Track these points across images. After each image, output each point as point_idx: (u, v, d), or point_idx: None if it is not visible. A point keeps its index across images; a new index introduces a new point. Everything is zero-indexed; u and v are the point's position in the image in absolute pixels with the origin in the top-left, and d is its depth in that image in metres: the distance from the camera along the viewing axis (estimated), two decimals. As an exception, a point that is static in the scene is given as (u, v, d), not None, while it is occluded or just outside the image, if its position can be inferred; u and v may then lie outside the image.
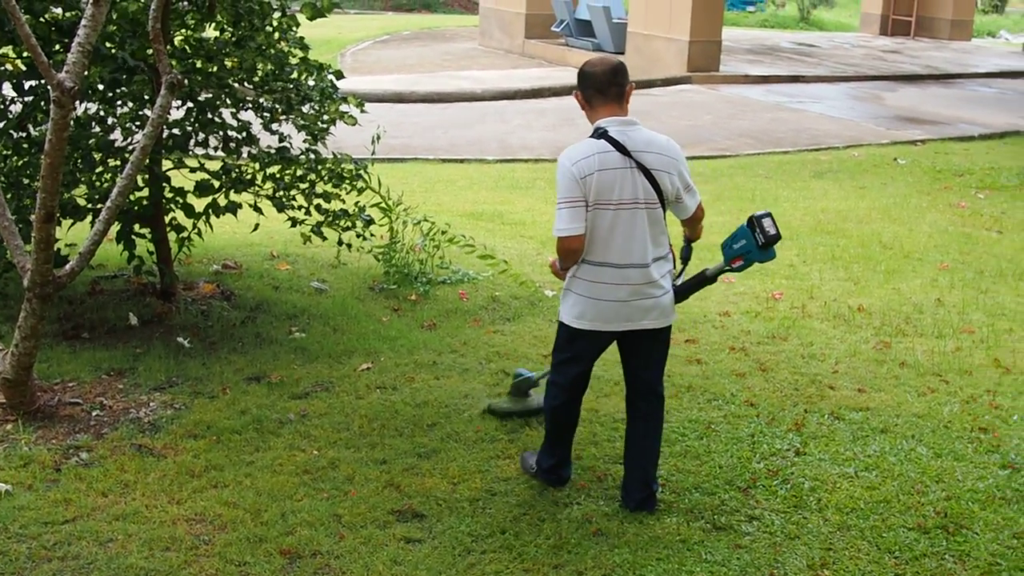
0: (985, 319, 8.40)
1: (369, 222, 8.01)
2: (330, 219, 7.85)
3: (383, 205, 8.55)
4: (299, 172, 7.77)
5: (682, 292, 5.60)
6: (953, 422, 6.49)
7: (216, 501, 5.34)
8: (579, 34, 24.30)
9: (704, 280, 5.64)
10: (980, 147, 16.43)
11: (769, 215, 5.38)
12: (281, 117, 7.70)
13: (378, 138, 8.54)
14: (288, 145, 7.72)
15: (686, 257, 5.77)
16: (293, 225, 7.89)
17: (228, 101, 7.62)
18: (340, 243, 8.07)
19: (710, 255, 7.60)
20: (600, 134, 5.16)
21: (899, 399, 6.81)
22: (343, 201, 8.00)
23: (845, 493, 5.61)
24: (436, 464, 5.79)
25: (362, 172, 7.94)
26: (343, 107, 7.81)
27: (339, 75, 7.85)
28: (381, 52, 24.95)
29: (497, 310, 8.25)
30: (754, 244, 5.39)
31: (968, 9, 33.78)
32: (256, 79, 7.64)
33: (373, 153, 8.59)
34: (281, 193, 7.68)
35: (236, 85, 7.61)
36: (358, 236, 8.13)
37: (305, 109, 7.71)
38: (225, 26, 7.64)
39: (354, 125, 7.79)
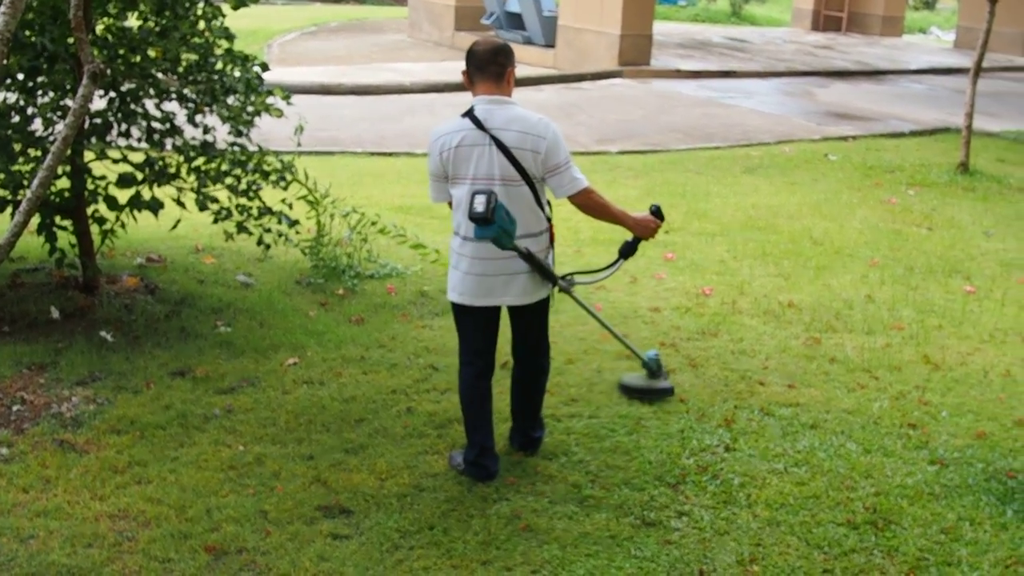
0: (915, 315, 8.44)
1: (292, 223, 7.91)
2: (254, 216, 7.74)
3: (310, 198, 8.45)
4: (224, 167, 7.64)
5: (543, 276, 5.55)
6: (882, 418, 6.51)
7: (140, 497, 5.27)
8: (509, 27, 24.24)
9: (526, 258, 5.44)
10: (911, 143, 16.55)
11: (485, 193, 5.14)
12: (205, 108, 7.57)
13: (300, 129, 8.40)
14: (212, 139, 7.60)
15: (624, 251, 5.89)
16: (216, 222, 7.80)
17: (152, 91, 7.49)
18: (260, 243, 7.93)
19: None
20: (468, 111, 5.33)
21: (829, 395, 6.82)
22: (262, 201, 7.87)
23: (774, 489, 5.61)
24: (364, 460, 5.73)
25: (286, 173, 7.83)
26: (269, 99, 7.71)
27: (264, 67, 7.73)
28: (308, 43, 24.76)
29: (426, 304, 8.18)
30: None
31: (899, 5, 34.12)
32: (180, 69, 7.51)
33: (298, 145, 8.48)
34: (205, 189, 7.55)
35: (160, 75, 7.47)
36: (280, 236, 8.02)
37: (230, 101, 7.58)
38: (148, 15, 7.49)
39: (280, 117, 7.70)
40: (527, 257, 5.39)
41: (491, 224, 5.13)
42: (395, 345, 7.33)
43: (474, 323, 5.56)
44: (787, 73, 23.75)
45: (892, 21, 33.40)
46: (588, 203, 5.50)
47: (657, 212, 5.78)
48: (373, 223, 8.56)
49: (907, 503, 5.53)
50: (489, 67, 5.35)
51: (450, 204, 5.54)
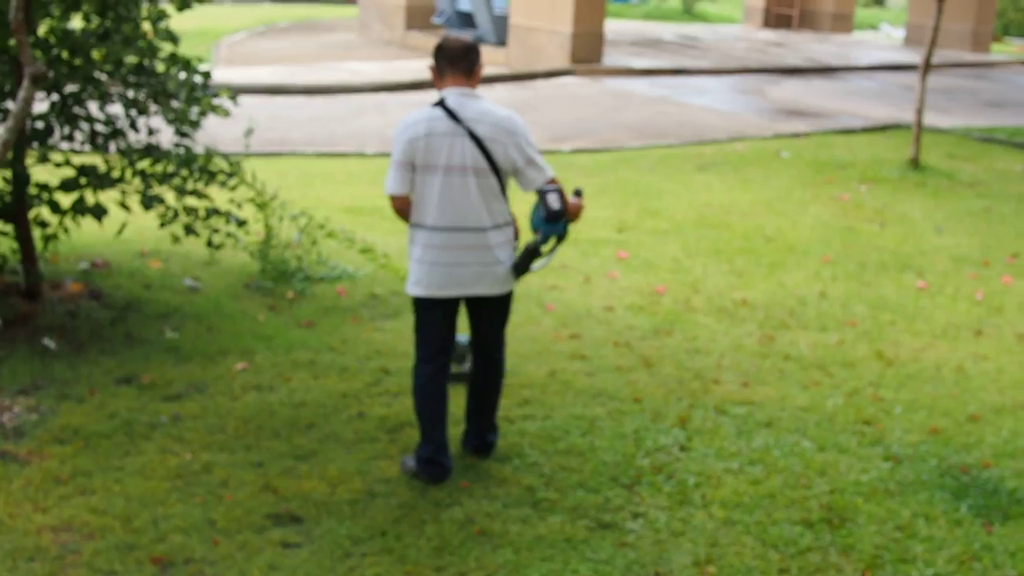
0: (868, 311, 8.44)
1: (240, 224, 7.81)
2: (202, 218, 7.64)
3: (258, 200, 8.35)
4: (169, 169, 7.53)
5: (516, 267, 5.61)
6: (837, 415, 6.50)
7: (84, 508, 5.17)
8: (460, 26, 24.17)
9: (530, 252, 5.57)
10: (862, 140, 16.59)
11: (557, 191, 5.45)
12: (150, 110, 7.47)
13: (251, 131, 8.32)
14: (156, 142, 7.48)
15: (558, 236, 5.79)
16: (163, 225, 7.67)
17: (95, 94, 7.36)
18: (210, 244, 7.82)
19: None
20: (438, 102, 5.45)
21: (783, 393, 6.81)
22: (212, 201, 7.76)
23: (730, 488, 5.58)
24: (314, 466, 5.65)
25: (233, 173, 7.73)
26: (216, 100, 7.60)
27: (206, 76, 7.60)
28: (258, 43, 24.59)
29: (377, 307, 8.10)
30: (540, 218, 5.52)
31: (849, 2, 34.30)
32: (123, 71, 7.39)
33: (247, 147, 8.38)
34: (150, 190, 7.44)
35: (102, 78, 7.35)
36: (228, 236, 7.91)
37: (173, 105, 7.47)
38: (91, 16, 7.37)
39: (226, 116, 7.60)
40: (532, 253, 5.54)
41: (561, 219, 5.42)
42: (346, 348, 7.25)
43: (438, 316, 5.59)
44: (739, 70, 23.79)
45: (842, 18, 33.60)
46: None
47: (579, 195, 5.75)
48: (321, 226, 8.47)
49: (862, 500, 5.53)
50: (461, 62, 5.50)
51: (401, 202, 5.52)
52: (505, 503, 5.35)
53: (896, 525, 5.31)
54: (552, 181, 5.54)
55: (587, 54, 22.07)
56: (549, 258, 6.06)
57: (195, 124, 7.53)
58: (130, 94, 7.42)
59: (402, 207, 5.51)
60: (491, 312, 5.71)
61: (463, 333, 6.51)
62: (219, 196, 8.00)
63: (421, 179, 5.42)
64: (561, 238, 5.82)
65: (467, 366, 6.46)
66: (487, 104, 5.50)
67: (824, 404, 6.65)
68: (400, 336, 7.45)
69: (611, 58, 23.15)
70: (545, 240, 5.55)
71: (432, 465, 5.55)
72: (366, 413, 6.29)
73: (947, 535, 5.25)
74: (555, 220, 5.42)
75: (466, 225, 5.43)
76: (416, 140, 5.39)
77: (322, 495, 5.35)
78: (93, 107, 7.51)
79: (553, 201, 5.39)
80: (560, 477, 5.62)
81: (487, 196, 5.44)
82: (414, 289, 5.55)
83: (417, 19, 25.43)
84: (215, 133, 8.07)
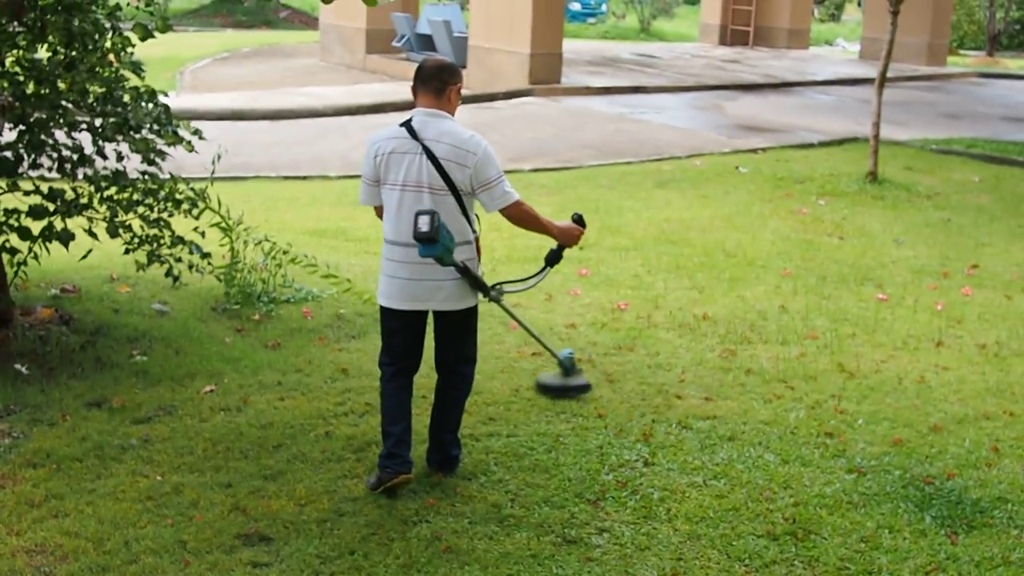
0: (828, 324, 8.53)
1: (204, 255, 7.83)
2: (167, 246, 7.67)
3: (223, 225, 8.37)
4: (135, 196, 7.56)
5: (477, 287, 5.75)
6: (799, 428, 6.57)
7: (57, 531, 5.19)
8: (420, 48, 24.25)
9: (463, 273, 5.65)
10: (820, 154, 16.76)
11: (429, 213, 5.38)
12: (118, 139, 7.50)
13: (218, 158, 8.36)
14: (124, 168, 7.51)
15: (550, 259, 6.14)
16: (127, 252, 7.70)
17: (61, 122, 7.38)
18: (168, 274, 7.82)
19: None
20: (405, 121, 5.60)
21: (746, 406, 6.87)
22: (173, 231, 7.79)
23: (694, 502, 5.63)
24: (282, 486, 5.67)
25: (198, 201, 7.77)
26: (181, 132, 7.65)
27: (167, 109, 7.63)
28: (220, 69, 24.60)
29: (342, 327, 8.13)
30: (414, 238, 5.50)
31: (804, 18, 34.60)
32: (90, 101, 7.42)
33: (213, 173, 8.41)
34: (117, 218, 7.46)
35: (69, 107, 7.37)
36: (191, 267, 7.94)
37: (139, 136, 7.51)
38: (58, 47, 7.40)
39: (191, 151, 7.65)
40: (463, 271, 5.60)
41: (435, 244, 5.37)
42: (312, 369, 7.28)
43: (397, 326, 5.74)
44: (696, 87, 23.97)
45: (798, 34, 33.87)
46: (519, 215, 5.74)
47: (579, 220, 6.02)
48: (285, 252, 8.50)
49: (826, 512, 5.57)
50: (431, 82, 5.62)
51: (378, 211, 5.76)
52: (472, 520, 5.39)
53: (860, 537, 5.36)
54: (518, 205, 5.68)
55: (546, 74, 22.20)
56: (535, 281, 6.34)
57: (161, 154, 7.58)
58: (97, 123, 7.44)
59: (378, 214, 5.78)
60: (449, 327, 5.82)
61: (567, 348, 6.96)
62: (185, 222, 8.01)
63: (383, 194, 5.63)
64: (552, 263, 6.09)
65: (579, 380, 6.92)
66: (451, 125, 5.59)
67: (787, 417, 6.72)
68: (365, 356, 7.48)
69: (570, 78, 23.28)
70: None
71: (390, 459, 5.63)
72: (333, 433, 6.32)
73: (912, 546, 5.29)
74: (423, 242, 5.38)
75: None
76: (378, 156, 5.59)
77: (290, 515, 5.38)
78: (60, 135, 7.53)
79: (421, 224, 5.34)
80: (526, 493, 5.66)
81: (444, 214, 5.49)
82: (379, 297, 5.76)
83: (377, 43, 25.49)
84: (181, 159, 8.08)
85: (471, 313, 5.84)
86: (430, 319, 5.84)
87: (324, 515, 5.39)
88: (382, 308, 5.76)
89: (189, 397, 6.77)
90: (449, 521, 5.37)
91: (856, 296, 9.34)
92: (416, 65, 5.81)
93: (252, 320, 8.16)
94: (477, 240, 5.77)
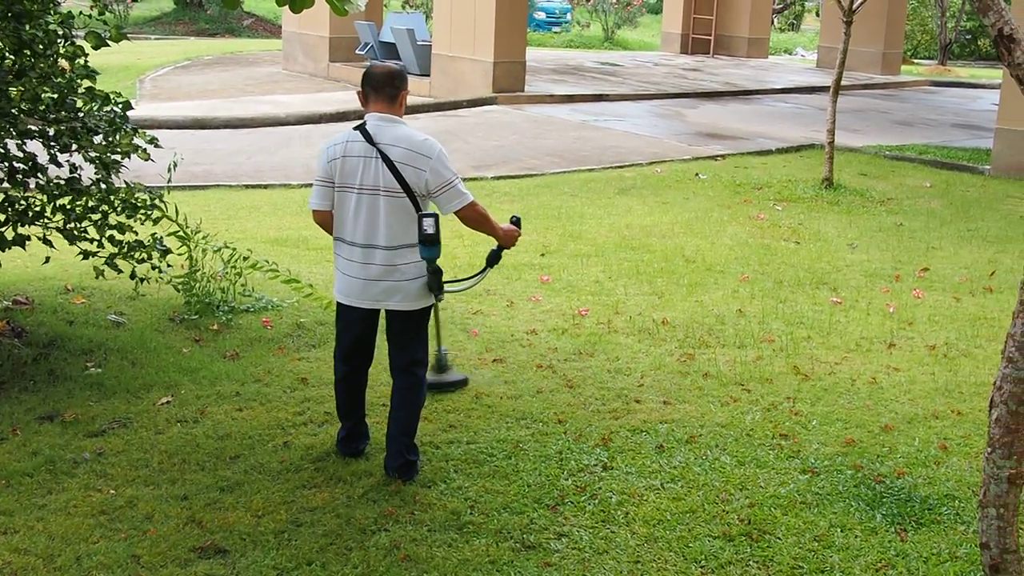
0: (784, 328, 8.60)
1: (165, 252, 7.81)
2: (124, 251, 7.63)
3: (181, 234, 8.35)
4: (91, 203, 7.53)
5: (429, 286, 5.89)
6: (755, 430, 6.62)
7: (5, 548, 5.14)
8: (384, 56, 24.22)
9: (433, 272, 5.85)
10: (777, 160, 16.88)
11: (433, 216, 5.72)
12: (73, 149, 7.46)
13: (175, 165, 8.35)
14: (78, 176, 7.48)
15: (491, 260, 6.36)
16: (85, 258, 7.65)
17: (12, 131, 7.35)
18: (133, 276, 7.82)
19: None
20: (359, 125, 5.78)
21: (703, 409, 6.92)
22: (136, 233, 7.77)
23: (652, 505, 5.67)
24: (239, 497, 5.66)
25: (156, 202, 7.74)
26: (136, 140, 7.62)
27: (127, 106, 7.63)
28: (182, 77, 24.51)
29: (302, 336, 8.12)
30: (419, 240, 5.78)
31: (764, 27, 34.84)
32: (41, 108, 7.39)
33: (169, 181, 8.39)
34: (72, 225, 7.44)
35: (21, 115, 7.34)
36: (153, 268, 7.91)
37: (95, 140, 7.48)
38: (7, 54, 7.36)
39: (147, 160, 7.63)
40: (436, 273, 5.81)
41: (437, 244, 5.67)
42: (271, 379, 7.27)
43: (352, 321, 5.95)
44: (658, 95, 24.06)
45: (758, 43, 34.13)
46: (473, 215, 5.91)
47: (517, 222, 6.27)
48: (245, 258, 8.49)
49: (780, 513, 5.62)
50: (385, 88, 5.81)
51: (321, 217, 5.90)
52: (431, 528, 5.40)
53: (814, 536, 5.42)
54: (472, 206, 5.84)
55: (509, 82, 22.25)
56: (476, 281, 6.60)
57: (117, 163, 7.56)
58: (50, 131, 7.41)
59: (323, 220, 5.90)
60: (403, 327, 5.93)
61: (444, 345, 7.10)
62: (142, 231, 7.99)
63: (339, 197, 5.77)
64: (492, 263, 6.29)
65: (452, 376, 7.14)
66: (406, 129, 5.76)
67: (743, 420, 6.77)
68: (325, 365, 7.48)
69: (533, 86, 23.34)
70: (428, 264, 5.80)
71: (344, 445, 6.14)
72: (292, 443, 6.31)
73: (863, 544, 5.36)
74: (427, 243, 5.67)
75: (378, 243, 5.72)
76: (334, 160, 5.74)
77: (247, 526, 5.37)
78: (12, 144, 7.49)
79: (427, 226, 5.65)
80: (485, 500, 5.68)
81: (399, 216, 5.69)
82: (336, 294, 5.96)
83: (341, 51, 25.47)
84: (139, 167, 8.07)
85: (425, 314, 6.00)
86: (382, 322, 6.01)
87: (281, 526, 5.38)
88: (339, 304, 5.95)
89: (145, 409, 6.75)
90: (408, 529, 5.38)
91: (811, 300, 9.42)
92: (366, 72, 5.92)
93: (210, 330, 8.14)
94: None
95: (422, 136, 5.76)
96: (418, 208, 5.72)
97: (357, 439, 6.15)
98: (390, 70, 5.87)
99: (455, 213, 5.83)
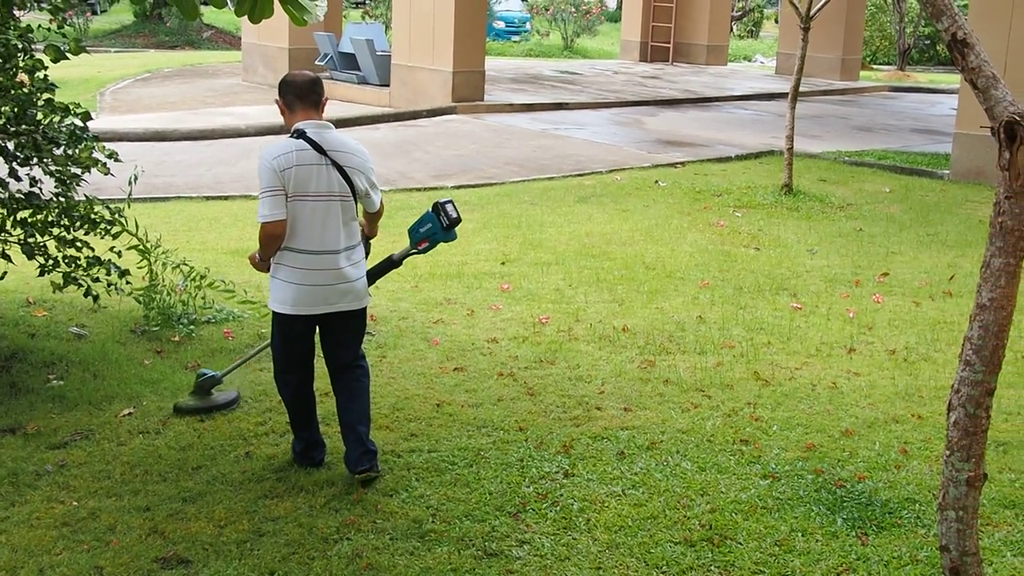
0: (744, 334, 8.65)
1: (122, 273, 7.79)
2: (82, 267, 7.62)
3: (141, 247, 8.33)
4: (50, 217, 7.51)
5: (371, 276, 6.27)
6: (716, 436, 6.66)
7: (-31, 561, 5.12)
8: (343, 67, 24.24)
9: (391, 264, 6.35)
10: (737, 167, 16.97)
11: (451, 202, 6.20)
12: (33, 162, 7.44)
13: (135, 179, 8.32)
14: (38, 191, 7.46)
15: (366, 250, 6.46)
16: (42, 274, 7.64)
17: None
18: (87, 294, 7.77)
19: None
20: (298, 134, 5.82)
21: (664, 416, 6.96)
22: (92, 249, 7.75)
23: (613, 512, 5.69)
24: (202, 508, 5.66)
25: (116, 217, 7.73)
26: (96, 154, 7.60)
27: (86, 117, 7.61)
28: (142, 90, 24.42)
29: (263, 347, 8.11)
30: (439, 227, 6.27)
31: (723, 35, 35.06)
32: (0, 122, 7.36)
33: (129, 195, 8.37)
34: (32, 240, 7.41)
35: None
36: (110, 286, 7.89)
37: (55, 152, 7.45)
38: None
39: (107, 175, 7.62)
40: (393, 264, 6.28)
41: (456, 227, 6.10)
42: (232, 389, 7.26)
43: (301, 332, 6.03)
44: (617, 103, 24.16)
45: (717, 50, 34.34)
46: (381, 212, 6.26)
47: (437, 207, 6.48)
48: (202, 276, 8.46)
49: (741, 518, 5.66)
50: (310, 96, 5.93)
51: (271, 229, 5.79)
52: (393, 536, 5.41)
53: (775, 541, 5.45)
54: (381, 203, 6.21)
55: (469, 92, 22.29)
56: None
57: (77, 177, 7.54)
58: (10, 145, 7.38)
59: (280, 232, 5.76)
60: (348, 325, 6.08)
61: (213, 369, 7.13)
62: (102, 244, 7.96)
63: (293, 206, 5.77)
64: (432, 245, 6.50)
65: (219, 398, 7.00)
66: (340, 135, 5.97)
67: (703, 425, 6.81)
68: (286, 376, 7.49)
69: (493, 95, 23.38)
70: (432, 247, 6.31)
71: (304, 457, 6.18)
72: (253, 453, 6.32)
73: (824, 548, 5.39)
74: (453, 227, 6.14)
75: (329, 248, 5.85)
76: (287, 170, 5.73)
77: (210, 536, 5.37)
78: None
79: (452, 210, 6.11)
80: (447, 508, 5.70)
81: (347, 219, 5.91)
82: (280, 307, 5.94)
83: (300, 62, 25.40)
84: (99, 180, 8.05)
85: (367, 309, 6.22)
86: None
87: (244, 536, 5.38)
88: (287, 317, 5.94)
89: (107, 421, 6.73)
90: (370, 538, 5.39)
91: (771, 305, 9.48)
92: (286, 81, 6.01)
93: (172, 342, 8.13)
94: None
95: (354, 141, 6.03)
96: (356, 209, 5.99)
97: (315, 449, 6.21)
98: (311, 77, 6.01)
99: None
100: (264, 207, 5.72)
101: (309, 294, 5.86)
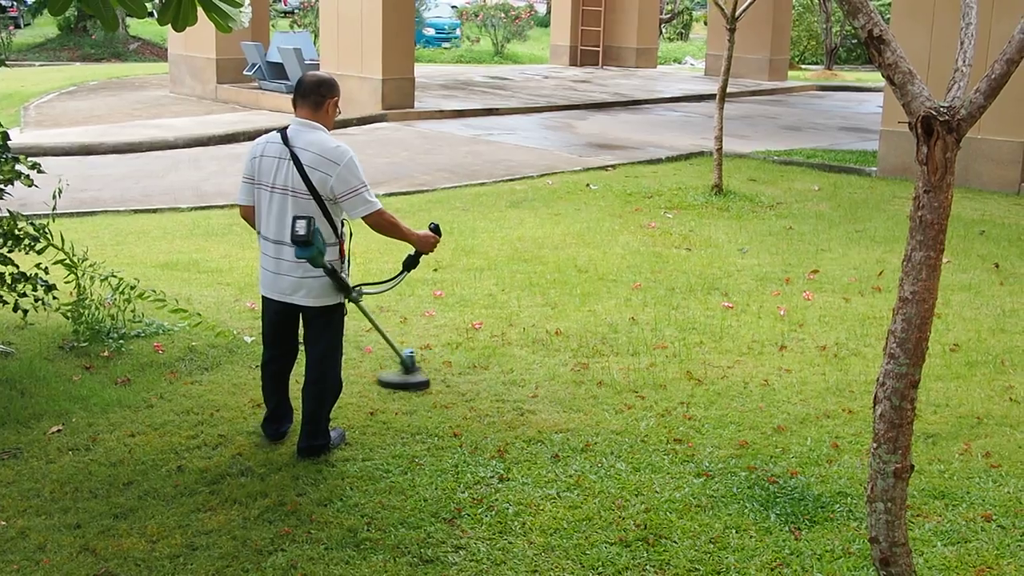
0: (677, 334, 8.69)
1: (49, 288, 7.69)
2: (7, 284, 7.52)
3: (67, 262, 8.23)
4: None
5: (339, 287, 6.30)
6: (650, 436, 6.69)
7: None
8: (272, 77, 24.12)
9: (331, 272, 6.23)
10: (668, 169, 17.07)
11: (306, 218, 5.95)
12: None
13: (59, 192, 8.22)
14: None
15: (407, 264, 6.86)
16: (-34, 292, 7.54)
17: None
18: (16, 309, 7.68)
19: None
20: (282, 128, 6.17)
21: (598, 418, 6.97)
22: (17, 266, 7.65)
23: (549, 515, 5.70)
24: (133, 523, 5.60)
25: (40, 233, 7.64)
26: (19, 167, 7.51)
27: (4, 136, 7.52)
28: (67, 103, 24.16)
29: (195, 360, 8.04)
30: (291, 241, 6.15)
31: (652, 37, 35.27)
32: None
33: (54, 209, 8.27)
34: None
35: None
36: (37, 301, 7.79)
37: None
38: None
39: (30, 187, 7.52)
40: (331, 273, 6.17)
41: (310, 246, 5.94)
42: (163, 404, 7.19)
43: (270, 313, 6.40)
44: (548, 108, 24.23)
45: (646, 53, 34.55)
46: (380, 223, 6.25)
47: (436, 229, 6.69)
48: (132, 287, 8.38)
49: (676, 517, 5.68)
50: (310, 96, 6.18)
51: (245, 212, 6.36)
52: (327, 546, 5.38)
53: (709, 538, 5.48)
54: (380, 213, 6.19)
55: (399, 99, 22.28)
56: (392, 284, 7.12)
57: (0, 192, 7.45)
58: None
59: (246, 215, 6.36)
60: (309, 322, 6.36)
61: (409, 348, 7.60)
62: (28, 259, 7.87)
63: (257, 194, 6.22)
64: (409, 268, 6.77)
65: (416, 377, 7.50)
66: (322, 136, 6.13)
67: (637, 426, 6.84)
68: (218, 388, 7.44)
69: (423, 102, 23.39)
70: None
71: (268, 424, 6.62)
72: (185, 467, 6.26)
73: (758, 544, 5.43)
74: (299, 245, 5.96)
75: (284, 239, 6.10)
76: (254, 159, 6.19)
77: (142, 552, 5.31)
78: None
79: (299, 227, 5.93)
80: (382, 516, 5.68)
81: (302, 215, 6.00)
82: (260, 286, 6.40)
83: (228, 72, 25.31)
84: (23, 195, 7.95)
85: (331, 311, 6.34)
86: None
87: (177, 550, 5.33)
88: (262, 296, 6.39)
89: (35, 439, 6.64)
90: (305, 548, 5.35)
91: (703, 305, 9.53)
92: (298, 81, 6.27)
93: (101, 357, 8.03)
94: (342, 243, 6.27)
95: (335, 143, 6.10)
96: (325, 211, 6.09)
97: (279, 420, 6.59)
98: (319, 79, 6.24)
99: (364, 220, 6.18)
100: (239, 190, 6.33)
101: (270, 280, 6.26)
